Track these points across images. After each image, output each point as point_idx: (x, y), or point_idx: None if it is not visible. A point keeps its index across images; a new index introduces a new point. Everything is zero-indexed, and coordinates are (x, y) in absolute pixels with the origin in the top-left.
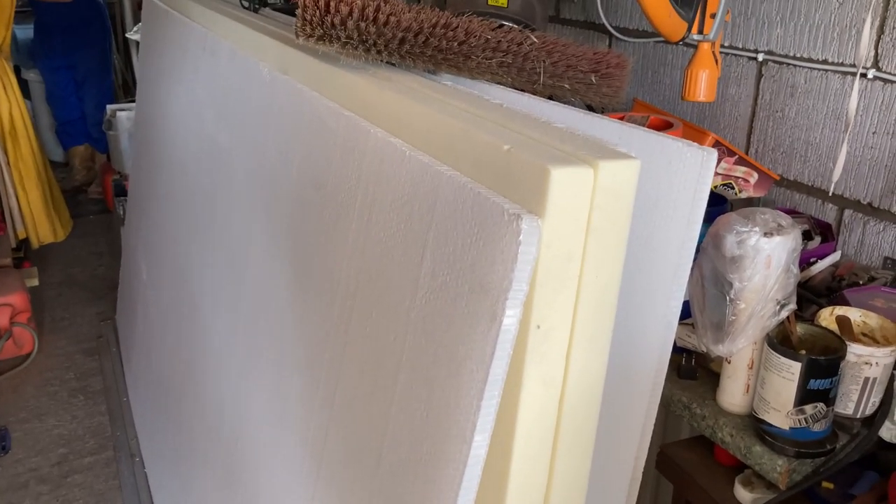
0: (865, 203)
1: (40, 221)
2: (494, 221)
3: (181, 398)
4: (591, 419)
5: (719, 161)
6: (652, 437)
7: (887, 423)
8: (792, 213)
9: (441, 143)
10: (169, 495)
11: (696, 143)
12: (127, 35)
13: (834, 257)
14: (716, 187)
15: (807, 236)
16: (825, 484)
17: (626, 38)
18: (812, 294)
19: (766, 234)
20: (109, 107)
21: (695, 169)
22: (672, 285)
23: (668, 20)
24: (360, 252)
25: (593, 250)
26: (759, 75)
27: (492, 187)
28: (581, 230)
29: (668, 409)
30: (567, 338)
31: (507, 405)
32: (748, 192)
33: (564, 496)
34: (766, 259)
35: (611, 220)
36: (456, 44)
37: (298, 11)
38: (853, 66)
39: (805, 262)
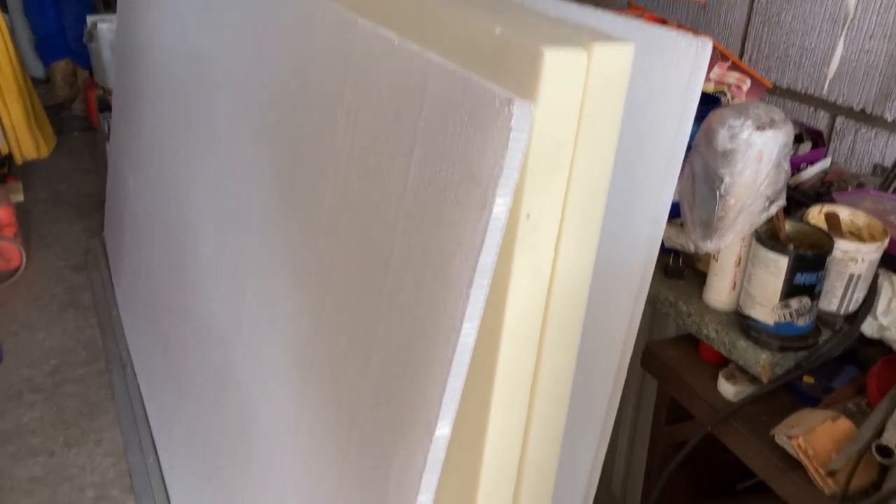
0: (858, 109)
1: (23, 137)
2: (485, 108)
3: (172, 308)
4: (579, 310)
5: (712, 65)
6: (638, 336)
7: (869, 319)
8: None
9: (431, 32)
10: (161, 404)
11: (690, 34)
12: None
13: (824, 164)
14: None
15: (797, 140)
16: (806, 378)
17: None
18: (802, 198)
19: (758, 128)
20: (90, 18)
21: (689, 60)
22: (663, 180)
23: None
24: (349, 150)
25: (585, 138)
26: None
27: (483, 75)
28: (573, 116)
29: (654, 308)
30: (556, 227)
31: (496, 295)
32: (741, 99)
33: (551, 385)
34: (758, 153)
35: (604, 107)
36: None
37: None
38: None
39: (795, 168)
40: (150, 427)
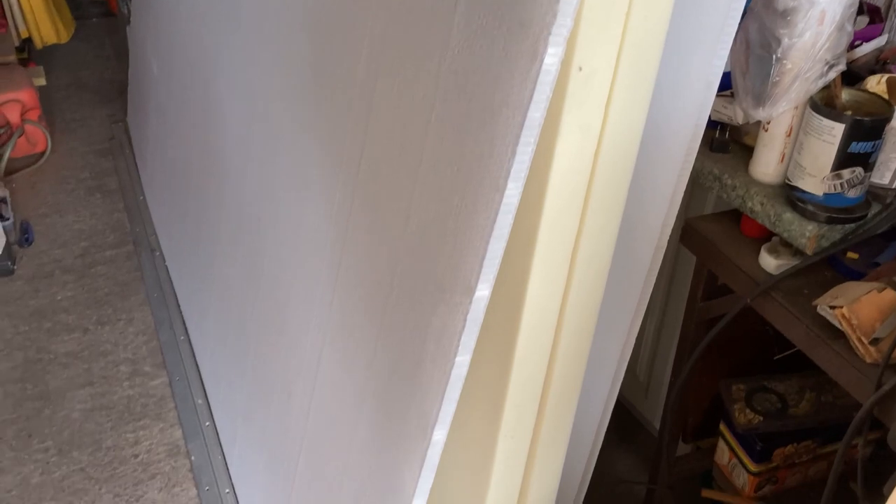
0: None
1: (42, 20)
2: None
3: (201, 188)
4: (625, 173)
5: None
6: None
7: None
8: None
9: None
10: (190, 285)
11: None
12: None
13: (879, 41)
14: None
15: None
16: (850, 254)
17: None
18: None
19: None
20: None
21: None
22: (716, 43)
23: None
24: (387, 3)
25: None
26: None
27: None
28: None
29: (695, 183)
30: (609, 83)
31: (542, 153)
32: None
33: (592, 251)
34: (821, 14)
35: None
36: None
37: None
38: None
39: (850, 45)
40: (179, 308)
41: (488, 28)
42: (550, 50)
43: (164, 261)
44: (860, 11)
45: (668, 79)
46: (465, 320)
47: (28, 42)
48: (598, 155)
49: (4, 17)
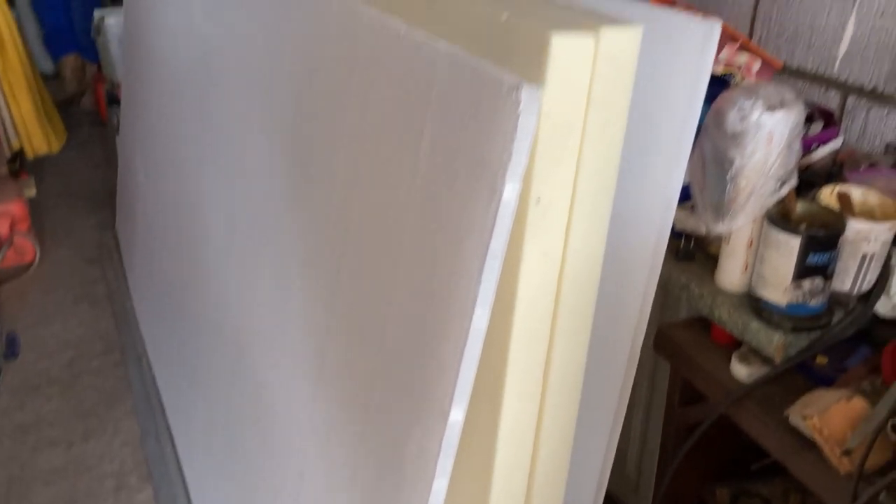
0: (869, 88)
1: (34, 132)
2: (493, 94)
3: (185, 297)
4: (590, 294)
5: (721, 47)
6: (650, 319)
7: (883, 299)
8: None
9: (437, 18)
10: (176, 393)
11: (699, 16)
12: None
13: (836, 143)
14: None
15: (808, 120)
16: (819, 358)
17: None
18: (814, 179)
19: (768, 109)
20: (97, 12)
21: (698, 43)
22: (673, 163)
23: None
24: (358, 134)
25: (594, 121)
26: None
27: (491, 60)
28: (582, 100)
29: (666, 291)
30: (567, 211)
31: (508, 279)
32: (750, 81)
33: (563, 370)
34: (768, 135)
35: (612, 91)
36: None
37: None
38: None
39: (807, 149)
40: (166, 416)
41: (451, 163)
42: (508, 185)
43: (150, 368)
44: (814, 117)
45: (629, 198)
46: (440, 444)
47: (20, 153)
48: (562, 279)
49: None
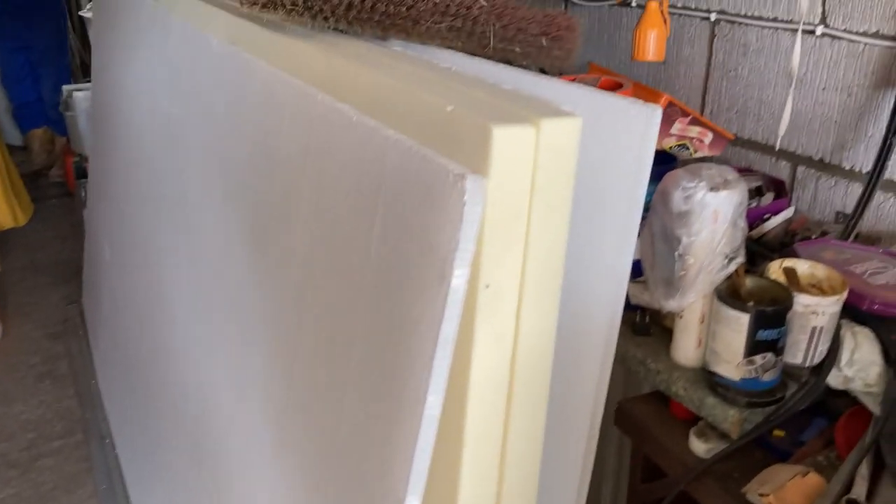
0: (817, 159)
1: (0, 207)
2: (440, 183)
3: (148, 378)
4: (544, 376)
5: (673, 122)
6: (613, 394)
7: (834, 371)
8: (746, 171)
9: (387, 107)
10: (140, 475)
11: (640, 101)
12: (81, 13)
13: (787, 213)
14: (670, 148)
15: (759, 193)
16: (776, 432)
17: (580, 2)
18: (766, 249)
19: (712, 189)
20: (66, 87)
21: (640, 126)
22: (621, 243)
23: None
24: (313, 220)
25: (539, 209)
26: (713, 35)
27: (437, 149)
28: (526, 189)
29: (626, 366)
30: (516, 296)
31: (460, 365)
32: (703, 152)
33: (521, 451)
34: (713, 213)
35: (555, 179)
36: (404, 8)
37: None
38: (804, 23)
39: (758, 219)
40: (128, 500)
41: (402, 248)
42: (456, 272)
43: (114, 448)
44: (762, 189)
45: (580, 278)
46: None
47: None
48: (515, 361)
49: None
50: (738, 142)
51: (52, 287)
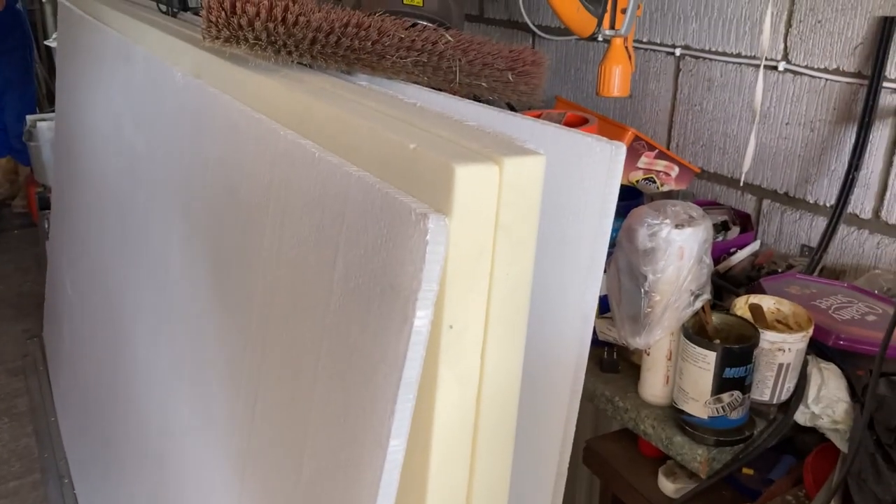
0: (782, 193)
1: None
2: (403, 221)
3: (109, 415)
4: (510, 416)
5: (640, 155)
6: (582, 432)
7: (802, 408)
8: (712, 204)
9: (350, 143)
10: None
11: (605, 138)
12: (46, 43)
13: (753, 247)
14: (637, 182)
15: (725, 227)
16: (745, 470)
17: (547, 37)
18: (732, 284)
19: (677, 226)
20: (29, 117)
21: (604, 163)
22: (587, 279)
23: (577, 15)
24: (275, 258)
25: (503, 247)
26: (678, 70)
27: (400, 187)
28: (489, 227)
29: (594, 404)
30: (481, 336)
31: (424, 407)
32: (670, 186)
33: (487, 494)
34: (679, 250)
35: (519, 217)
36: (369, 43)
37: (203, 13)
38: (766, 58)
39: (725, 253)
40: None
41: (364, 287)
42: (419, 313)
43: (72, 488)
44: (730, 223)
45: (546, 315)
46: None
47: None
48: (480, 402)
49: None
50: (704, 175)
51: (14, 320)
